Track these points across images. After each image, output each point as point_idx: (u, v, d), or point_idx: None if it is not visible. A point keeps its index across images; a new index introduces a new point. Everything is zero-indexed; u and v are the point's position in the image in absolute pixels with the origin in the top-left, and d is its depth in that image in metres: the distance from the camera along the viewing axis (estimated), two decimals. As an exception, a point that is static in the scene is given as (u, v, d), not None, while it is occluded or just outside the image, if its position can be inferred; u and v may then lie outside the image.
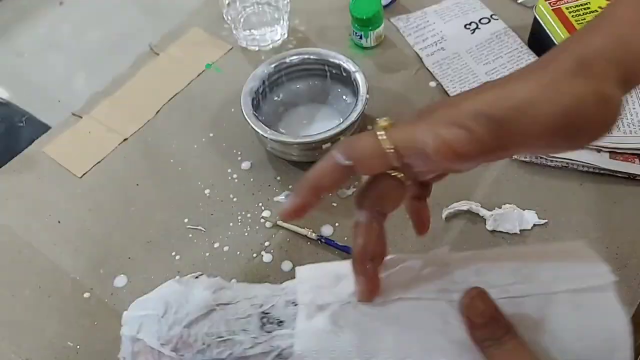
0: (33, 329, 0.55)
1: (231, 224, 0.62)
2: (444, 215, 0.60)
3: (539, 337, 0.36)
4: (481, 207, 0.60)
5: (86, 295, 0.57)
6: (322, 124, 0.67)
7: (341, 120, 0.61)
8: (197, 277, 0.46)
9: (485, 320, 0.35)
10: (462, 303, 0.36)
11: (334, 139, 0.61)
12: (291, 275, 0.57)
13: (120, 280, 0.58)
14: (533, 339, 0.36)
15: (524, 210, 0.59)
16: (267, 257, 0.59)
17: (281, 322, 0.39)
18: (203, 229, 0.62)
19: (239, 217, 0.62)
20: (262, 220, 0.62)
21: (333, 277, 0.40)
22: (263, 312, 0.40)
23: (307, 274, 0.42)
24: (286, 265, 0.58)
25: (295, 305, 0.40)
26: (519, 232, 0.58)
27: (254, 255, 0.59)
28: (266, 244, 0.60)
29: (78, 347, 0.54)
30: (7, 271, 0.59)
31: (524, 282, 0.38)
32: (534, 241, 0.58)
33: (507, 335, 0.35)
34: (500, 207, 0.59)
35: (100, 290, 0.58)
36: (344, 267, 0.41)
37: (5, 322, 0.56)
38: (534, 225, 0.59)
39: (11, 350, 0.54)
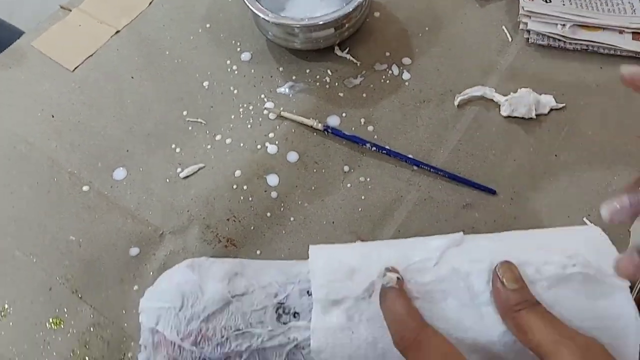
0: (34, 225, 0.54)
1: (232, 117, 0.59)
2: (456, 102, 0.57)
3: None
4: (496, 92, 0.57)
5: (85, 188, 0.56)
6: (326, 11, 0.63)
7: (345, 4, 0.57)
8: (210, 260, 0.45)
9: (519, 285, 0.36)
10: (495, 272, 0.37)
11: (339, 22, 0.57)
12: (297, 167, 0.55)
13: (120, 173, 0.56)
14: None
15: (540, 94, 0.56)
16: (271, 149, 0.57)
17: (297, 313, 0.40)
18: (203, 122, 0.59)
19: (241, 110, 0.59)
20: (265, 111, 0.59)
21: (347, 270, 0.40)
22: (278, 303, 0.40)
23: (321, 266, 0.40)
24: (292, 156, 0.56)
25: (310, 295, 0.40)
26: (534, 117, 0.55)
27: (258, 147, 0.57)
28: (270, 135, 0.58)
29: (81, 240, 0.53)
30: (3, 168, 0.57)
31: (538, 265, 0.38)
32: (550, 126, 0.55)
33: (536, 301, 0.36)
34: (515, 92, 0.56)
35: (99, 184, 0.56)
36: (358, 258, 0.40)
37: (6, 219, 0.54)
38: (551, 109, 0.56)
39: (15, 247, 0.53)
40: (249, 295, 0.41)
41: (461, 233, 0.41)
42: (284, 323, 0.40)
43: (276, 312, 0.40)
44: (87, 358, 0.48)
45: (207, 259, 0.44)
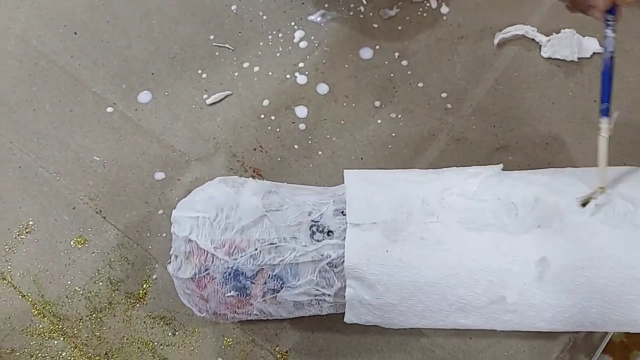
0: (57, 143, 0.53)
1: (261, 44, 0.57)
2: (496, 41, 0.55)
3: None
4: (537, 32, 0.54)
5: (109, 110, 0.54)
6: None
7: None
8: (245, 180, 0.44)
9: None
10: None
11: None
12: (327, 99, 0.54)
13: (145, 96, 0.55)
14: (582, 262, 0.37)
15: (584, 37, 0.54)
16: (301, 79, 0.55)
17: (330, 232, 0.39)
18: (231, 48, 0.57)
19: (270, 37, 0.57)
20: (295, 39, 0.57)
21: (384, 192, 0.39)
22: (312, 221, 0.40)
23: (357, 188, 0.40)
24: (322, 88, 0.54)
25: (344, 214, 0.40)
26: (576, 60, 0.53)
27: (287, 76, 0.55)
28: (300, 65, 0.56)
29: (105, 161, 0.52)
30: (25, 84, 0.56)
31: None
32: (592, 71, 0.53)
33: None
34: (558, 32, 0.54)
35: (124, 106, 0.54)
36: (395, 181, 0.40)
37: (29, 136, 0.53)
38: (594, 53, 0.54)
39: (39, 164, 0.52)
40: (283, 211, 0.40)
41: (501, 165, 0.40)
42: (318, 240, 0.39)
43: (310, 229, 0.40)
44: (111, 278, 0.48)
45: (241, 177, 0.44)
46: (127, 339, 0.46)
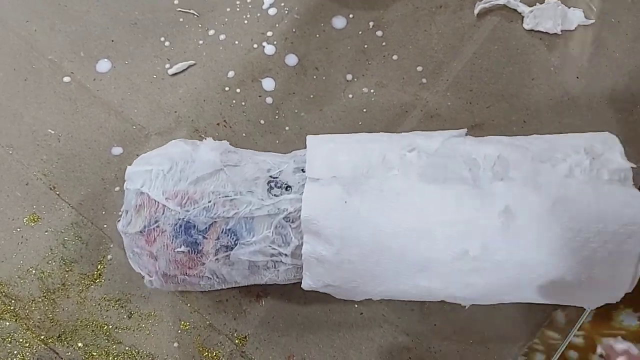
0: (10, 114, 0.50)
1: (228, 10, 0.54)
2: (476, 11, 0.52)
3: (557, 214, 0.35)
4: (520, 1, 0.51)
5: (66, 79, 0.51)
6: None
7: None
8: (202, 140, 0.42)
9: None
10: None
11: None
12: (296, 71, 0.51)
13: (104, 65, 0.52)
14: (549, 216, 0.35)
15: (569, 8, 0.51)
16: (269, 49, 0.52)
17: (289, 187, 0.38)
18: (196, 14, 0.53)
19: (238, 2, 0.54)
20: (264, 6, 0.53)
21: (346, 152, 0.38)
22: (271, 177, 0.38)
23: (319, 148, 0.39)
24: (291, 59, 0.51)
25: (304, 172, 0.38)
26: (559, 33, 0.50)
27: (254, 46, 0.52)
28: (268, 33, 0.52)
29: (60, 135, 0.50)
30: (-24, 50, 0.52)
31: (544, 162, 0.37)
32: (575, 45, 0.50)
33: None
34: (542, 2, 0.51)
35: (82, 75, 0.51)
36: (357, 142, 0.39)
37: (-20, 105, 0.51)
38: (579, 25, 0.51)
39: (-10, 136, 0.50)
40: (241, 167, 0.39)
41: (465, 129, 0.39)
42: (275, 195, 0.38)
43: (268, 184, 0.38)
44: (64, 258, 0.46)
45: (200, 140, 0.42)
46: (81, 322, 0.45)
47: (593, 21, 0.51)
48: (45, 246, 0.46)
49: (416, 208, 0.36)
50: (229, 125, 0.50)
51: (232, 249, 0.37)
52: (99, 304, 0.45)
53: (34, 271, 0.46)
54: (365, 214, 0.36)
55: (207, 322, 0.44)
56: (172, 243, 0.37)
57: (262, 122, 0.50)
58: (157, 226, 0.37)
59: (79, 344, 0.44)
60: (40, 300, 0.45)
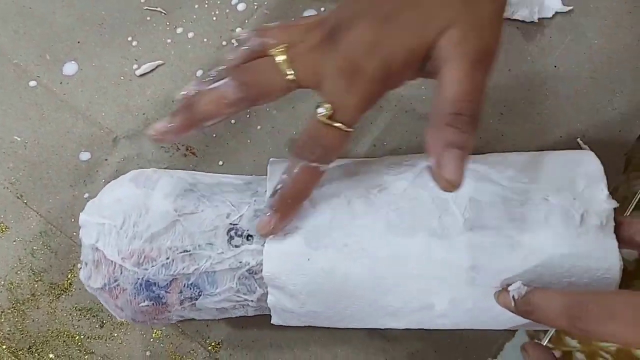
0: (-23, 120, 0.49)
1: (196, 6, 0.52)
2: None
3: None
4: (495, -11, 0.50)
5: (32, 84, 0.50)
6: None
7: None
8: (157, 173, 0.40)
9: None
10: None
11: None
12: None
13: (70, 68, 0.51)
14: (519, 269, 0.34)
15: (546, -5, 0.49)
16: (239, 46, 0.51)
17: (250, 236, 0.36)
18: (164, 12, 0.52)
19: (207, -1, 0.52)
20: (233, 1, 0.52)
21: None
22: (230, 224, 0.36)
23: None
24: (261, 55, 0.50)
25: None
26: (536, 21, 0.49)
27: (224, 43, 0.51)
28: (238, 30, 0.51)
29: (26, 142, 0.48)
30: (-60, 56, 0.51)
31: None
32: (553, 33, 0.49)
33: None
34: (518, -10, 0.49)
35: (48, 79, 0.50)
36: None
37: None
38: (556, 13, 0.49)
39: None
40: (198, 214, 0.37)
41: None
42: (236, 246, 0.36)
43: (227, 234, 0.36)
44: (33, 267, 0.45)
45: (156, 171, 0.40)
46: (52, 332, 0.44)
47: (571, 8, 0.49)
48: (13, 256, 0.45)
49: (383, 262, 0.35)
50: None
51: (196, 299, 0.37)
52: (70, 314, 0.44)
53: (2, 282, 0.45)
54: (329, 270, 0.35)
55: (179, 330, 0.44)
56: (134, 299, 0.36)
57: (232, 121, 0.48)
58: (117, 285, 0.36)
59: (50, 355, 0.44)
60: (9, 311, 0.44)
